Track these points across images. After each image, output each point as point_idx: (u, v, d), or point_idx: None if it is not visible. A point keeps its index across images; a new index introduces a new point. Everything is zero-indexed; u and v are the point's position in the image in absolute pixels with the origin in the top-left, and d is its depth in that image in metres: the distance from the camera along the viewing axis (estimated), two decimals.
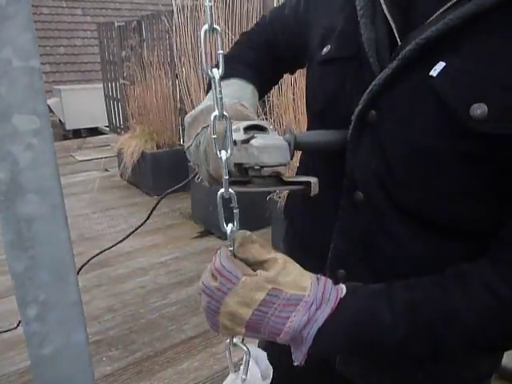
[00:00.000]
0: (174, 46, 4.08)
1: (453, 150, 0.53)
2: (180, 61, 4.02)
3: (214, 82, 0.50)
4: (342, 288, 0.57)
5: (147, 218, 0.83)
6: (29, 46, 0.33)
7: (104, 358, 2.25)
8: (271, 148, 0.56)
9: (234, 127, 0.60)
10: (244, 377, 0.57)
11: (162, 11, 4.63)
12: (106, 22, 5.75)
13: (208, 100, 0.69)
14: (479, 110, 0.49)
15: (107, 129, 6.78)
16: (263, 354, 0.61)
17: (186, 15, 3.92)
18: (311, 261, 0.57)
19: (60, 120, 7.61)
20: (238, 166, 0.57)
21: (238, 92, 0.72)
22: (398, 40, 0.60)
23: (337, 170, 0.64)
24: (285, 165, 0.58)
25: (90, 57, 9.15)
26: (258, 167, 0.56)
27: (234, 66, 0.78)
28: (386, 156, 0.59)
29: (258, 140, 0.57)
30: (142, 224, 0.83)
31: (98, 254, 0.77)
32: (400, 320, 0.54)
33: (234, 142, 0.57)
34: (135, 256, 3.35)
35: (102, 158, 5.75)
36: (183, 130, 0.77)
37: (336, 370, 0.75)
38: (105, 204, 4.10)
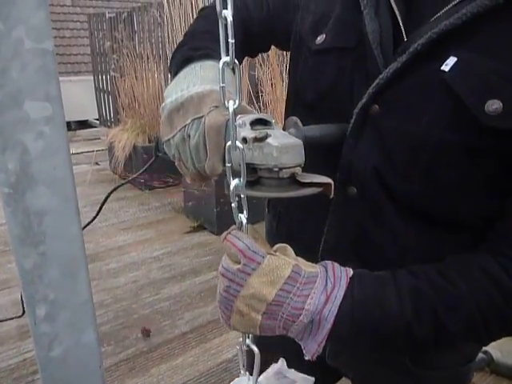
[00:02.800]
0: (166, 38, 4.03)
1: (459, 144, 0.53)
2: (170, 53, 3.97)
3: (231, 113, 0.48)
4: (349, 269, 0.57)
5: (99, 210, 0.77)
6: (42, 26, 0.31)
7: None
8: (290, 147, 0.53)
9: (237, 122, 0.57)
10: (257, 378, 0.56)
11: (153, 3, 4.57)
12: (97, 13, 5.67)
13: (197, 84, 0.61)
14: (494, 105, 0.50)
15: (97, 122, 6.70)
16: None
17: (177, 7, 3.87)
18: (300, 255, 0.56)
19: None
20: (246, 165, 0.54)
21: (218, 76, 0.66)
22: (404, 33, 0.59)
23: (328, 165, 0.62)
24: (301, 165, 0.56)
25: (79, 48, 9.01)
26: (277, 169, 0.53)
27: (208, 43, 0.71)
28: (388, 150, 0.59)
29: (276, 138, 0.54)
30: (94, 216, 0.77)
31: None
32: (406, 305, 0.54)
33: (244, 140, 0.54)
34: (127, 250, 3.32)
35: (92, 151, 5.67)
36: None
37: (326, 362, 0.76)
38: (95, 198, 4.04)
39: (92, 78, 6.07)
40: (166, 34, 4.02)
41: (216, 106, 0.58)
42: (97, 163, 5.48)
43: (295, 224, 0.77)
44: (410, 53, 0.55)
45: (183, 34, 0.81)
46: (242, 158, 0.50)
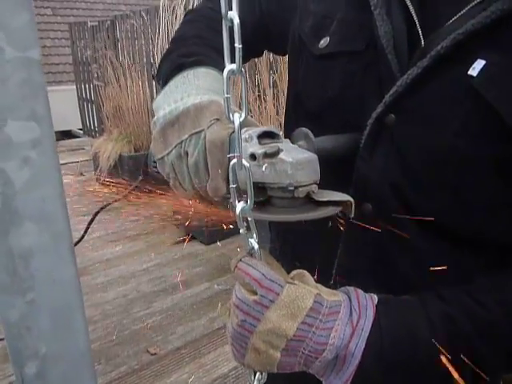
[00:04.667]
0: (150, 46, 3.97)
1: (489, 157, 0.49)
2: (156, 62, 3.92)
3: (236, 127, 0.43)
4: (373, 295, 0.52)
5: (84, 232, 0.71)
6: (26, 31, 0.25)
7: None
8: (305, 163, 0.48)
9: (243, 136, 0.52)
10: None
11: (136, 11, 4.52)
12: (79, 22, 5.60)
13: (193, 95, 0.55)
14: None
15: (81, 132, 6.60)
16: None
17: (162, 15, 3.83)
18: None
19: None
20: (254, 184, 0.47)
21: (214, 85, 0.59)
22: (421, 35, 0.54)
23: (340, 180, 0.56)
24: (317, 182, 0.50)
25: (60, 58, 8.88)
26: (292, 188, 0.47)
27: (199, 49, 0.65)
28: (407, 163, 0.54)
29: (288, 153, 0.48)
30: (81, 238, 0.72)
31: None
32: (439, 336, 0.49)
33: (253, 156, 0.49)
34: (116, 263, 3.24)
35: (76, 161, 5.57)
36: None
37: None
38: (80, 210, 3.94)
39: (74, 87, 5.98)
40: (150, 42, 3.96)
41: (217, 119, 0.52)
42: (81, 174, 5.38)
43: (303, 244, 0.70)
44: (432, 56, 0.50)
45: (169, 41, 0.74)
46: (248, 177, 0.44)
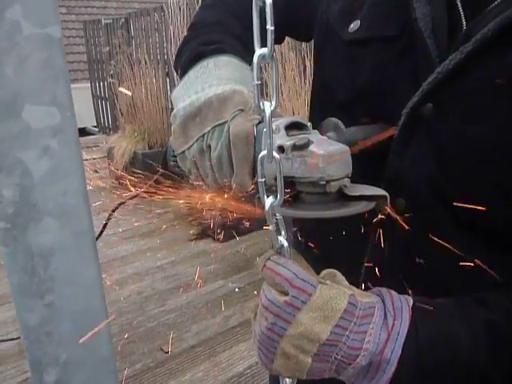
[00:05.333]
0: (164, 43, 3.97)
1: None
2: (171, 58, 3.91)
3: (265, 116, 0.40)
4: (408, 297, 0.48)
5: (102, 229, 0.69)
6: (46, 5, 0.23)
7: None
8: (337, 155, 0.45)
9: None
10: None
11: (150, 8, 4.52)
12: (93, 20, 5.61)
13: (215, 85, 0.52)
14: None
15: (96, 129, 6.64)
16: None
17: (177, 12, 3.81)
18: None
19: None
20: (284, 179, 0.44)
21: (236, 74, 0.55)
22: (463, 17, 0.50)
23: (370, 174, 0.53)
24: (349, 176, 0.47)
25: (75, 56, 8.93)
26: (323, 182, 0.45)
27: (220, 36, 0.62)
28: (445, 157, 0.50)
29: (319, 146, 0.45)
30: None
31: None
32: (480, 343, 0.46)
33: (281, 149, 0.46)
34: (130, 261, 3.24)
35: (91, 159, 5.60)
36: None
37: None
38: (96, 207, 3.96)
39: (89, 85, 6.01)
40: (164, 39, 3.95)
41: (241, 110, 0.49)
42: (96, 171, 5.40)
43: (329, 241, 0.67)
44: (477, 40, 0.46)
45: (186, 29, 0.70)
46: (279, 170, 0.41)
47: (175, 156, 0.56)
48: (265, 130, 0.48)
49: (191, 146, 0.51)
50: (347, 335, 0.43)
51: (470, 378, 0.46)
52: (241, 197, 0.54)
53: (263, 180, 0.43)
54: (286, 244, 0.45)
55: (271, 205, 0.42)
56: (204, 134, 0.50)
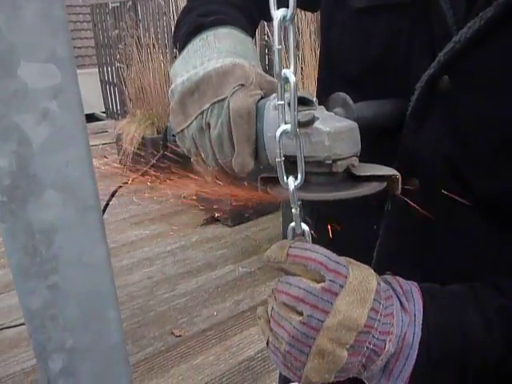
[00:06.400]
0: (172, 27, 3.91)
1: None
2: None
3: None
4: (414, 283, 0.45)
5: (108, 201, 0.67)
6: None
7: None
8: (345, 133, 0.42)
9: (272, 103, 0.45)
10: None
11: None
12: (100, 4, 5.55)
13: (214, 59, 0.50)
14: None
15: (104, 115, 6.63)
16: None
17: None
18: None
19: None
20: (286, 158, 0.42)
21: (237, 47, 0.53)
22: None
23: (382, 152, 0.50)
24: (358, 154, 0.44)
25: (82, 41, 8.89)
26: (330, 161, 0.42)
27: (220, 7, 0.58)
28: (465, 134, 0.46)
29: (325, 122, 0.42)
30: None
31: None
32: (495, 331, 0.42)
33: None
34: (140, 246, 3.25)
35: (99, 144, 5.60)
36: None
37: None
38: (105, 192, 3.96)
39: (97, 70, 5.98)
40: (172, 21, 3.90)
41: (242, 85, 0.46)
42: (105, 156, 5.40)
43: (338, 225, 0.63)
44: (499, 5, 0.41)
45: None
46: (299, 147, 0.38)
47: (175, 136, 0.53)
48: (272, 103, 0.45)
49: (190, 125, 0.49)
50: (378, 319, 0.40)
51: (484, 369, 0.43)
52: (241, 179, 0.51)
53: (282, 159, 0.40)
54: (306, 228, 0.43)
55: (291, 186, 0.39)
56: (203, 112, 0.47)
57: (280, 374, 0.89)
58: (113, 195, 0.69)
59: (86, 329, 0.27)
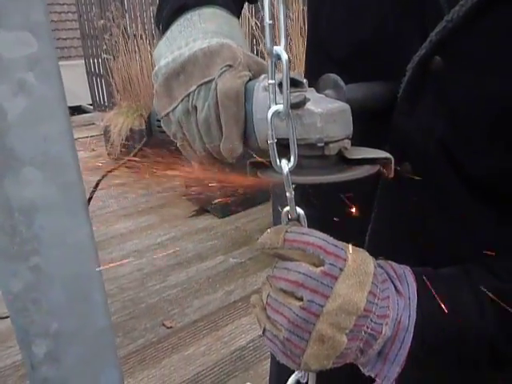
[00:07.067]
0: None
1: None
2: None
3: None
4: (407, 267, 0.45)
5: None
6: None
7: None
8: (337, 114, 0.41)
9: (261, 84, 0.44)
10: None
11: None
12: None
13: (200, 39, 0.48)
14: None
15: (91, 107, 6.55)
16: None
17: None
18: None
19: None
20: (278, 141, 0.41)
21: (223, 27, 0.51)
22: None
23: (372, 136, 0.49)
24: (350, 137, 0.43)
25: (68, 32, 8.75)
26: (322, 144, 0.41)
27: None
28: (457, 116, 0.45)
29: (317, 103, 0.41)
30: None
31: None
32: (488, 315, 0.42)
33: None
34: (130, 238, 3.23)
35: (87, 137, 5.53)
36: None
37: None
38: (93, 184, 3.92)
39: (83, 61, 5.90)
40: None
41: (229, 66, 0.45)
42: (93, 149, 5.34)
43: (331, 207, 0.62)
44: None
45: None
46: (291, 128, 0.37)
47: (159, 120, 0.52)
48: (262, 84, 0.44)
49: (175, 108, 0.47)
50: (376, 303, 0.39)
51: (477, 352, 0.43)
52: (230, 164, 0.50)
53: (275, 141, 0.39)
54: (302, 212, 0.42)
55: (285, 168, 0.38)
56: (189, 94, 0.46)
57: (271, 366, 0.88)
58: (97, 184, 0.67)
59: (71, 312, 0.26)
